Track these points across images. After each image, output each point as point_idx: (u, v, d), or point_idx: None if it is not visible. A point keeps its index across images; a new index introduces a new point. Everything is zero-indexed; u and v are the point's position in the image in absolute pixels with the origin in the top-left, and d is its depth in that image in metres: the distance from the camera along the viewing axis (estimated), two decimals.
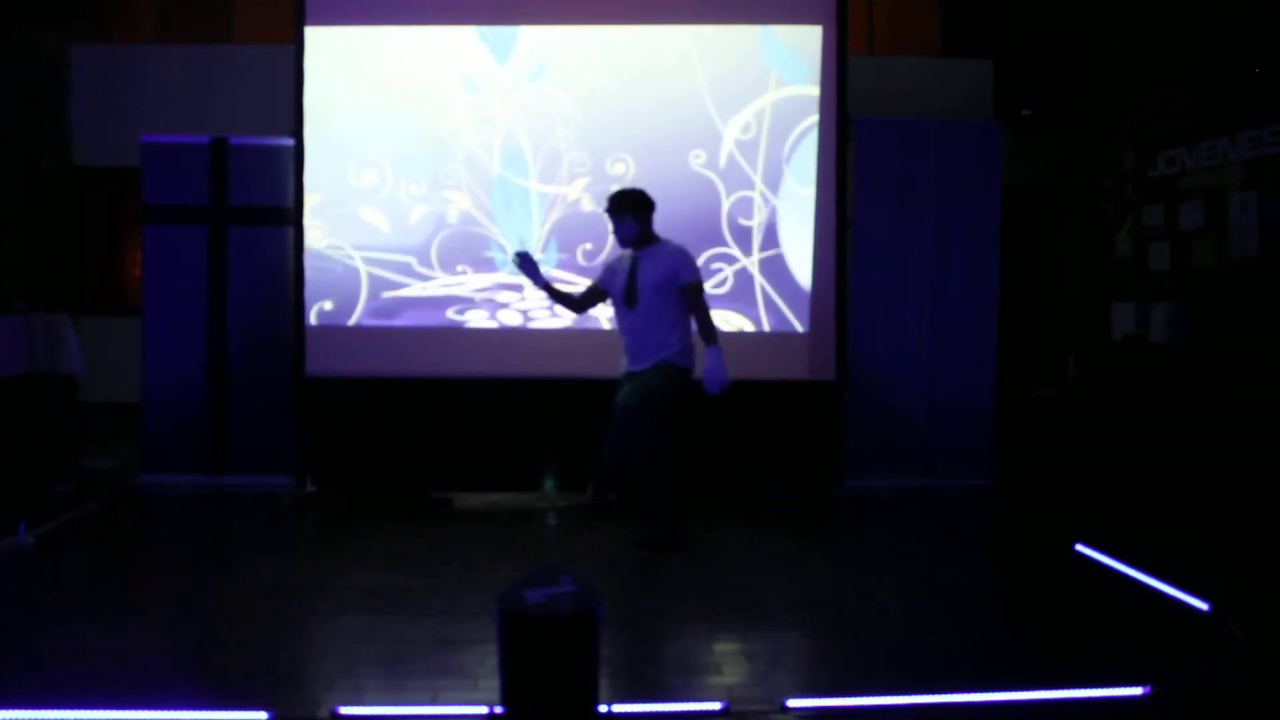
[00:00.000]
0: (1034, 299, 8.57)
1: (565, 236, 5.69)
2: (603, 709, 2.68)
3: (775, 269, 5.75)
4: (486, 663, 3.12)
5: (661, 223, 4.76)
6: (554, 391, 5.68)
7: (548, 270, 5.34)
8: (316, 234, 5.71)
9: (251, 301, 5.75)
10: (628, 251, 4.74)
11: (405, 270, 5.72)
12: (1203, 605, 3.78)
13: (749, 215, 5.73)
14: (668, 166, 5.67)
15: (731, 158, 5.71)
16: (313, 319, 5.71)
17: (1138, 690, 2.97)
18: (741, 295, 5.73)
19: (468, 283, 5.73)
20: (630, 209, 4.66)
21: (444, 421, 5.78)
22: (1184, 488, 5.77)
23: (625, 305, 4.66)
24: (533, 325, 5.76)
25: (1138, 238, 7.54)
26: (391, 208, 5.71)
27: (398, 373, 5.71)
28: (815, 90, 5.73)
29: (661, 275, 4.59)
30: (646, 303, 4.59)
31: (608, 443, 4.62)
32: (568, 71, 5.70)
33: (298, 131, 5.68)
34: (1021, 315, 8.01)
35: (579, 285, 5.11)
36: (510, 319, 5.74)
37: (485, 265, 5.73)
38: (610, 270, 4.81)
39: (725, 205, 5.71)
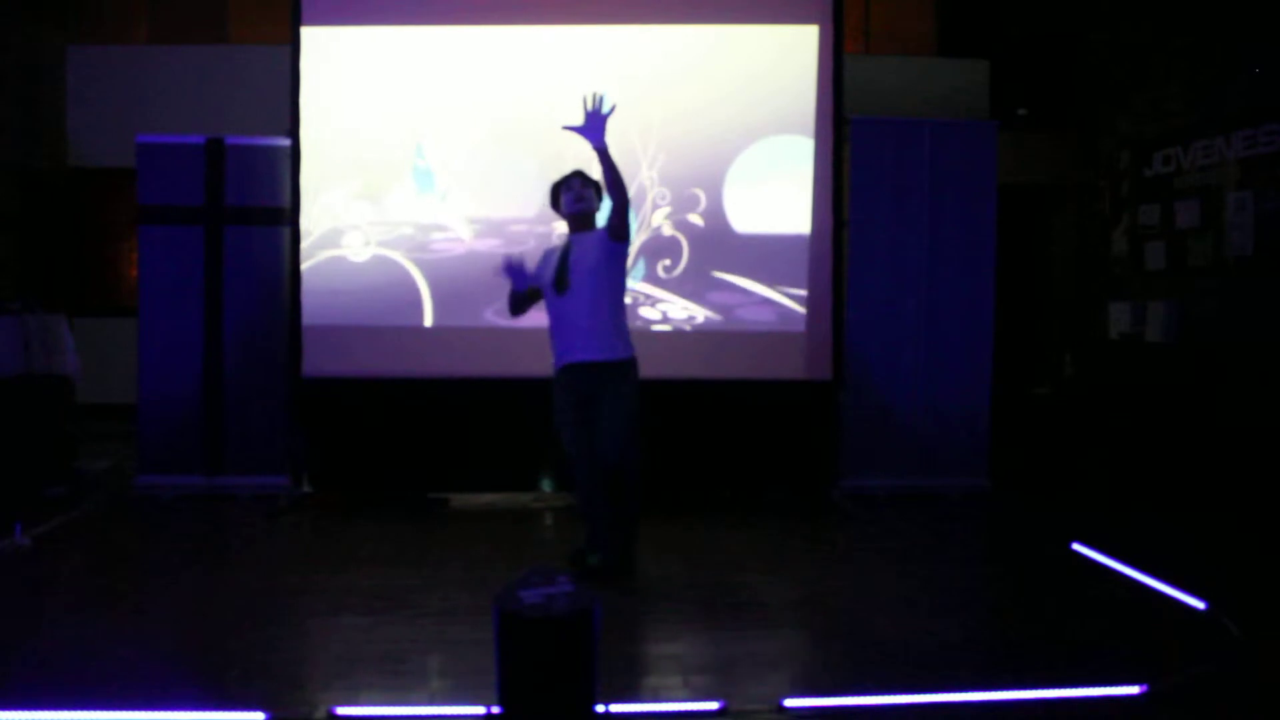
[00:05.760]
0: (1030, 298, 8.59)
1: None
2: (600, 709, 2.68)
3: (772, 269, 5.75)
4: (484, 663, 3.12)
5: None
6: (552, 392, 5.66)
7: None
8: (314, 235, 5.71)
9: (247, 302, 5.74)
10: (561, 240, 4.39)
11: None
12: (1199, 604, 3.78)
13: (744, 216, 5.73)
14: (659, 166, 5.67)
15: (727, 157, 5.70)
16: (308, 319, 5.71)
17: (1135, 689, 2.98)
18: (738, 295, 5.73)
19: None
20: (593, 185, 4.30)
21: (441, 422, 5.78)
22: (1180, 486, 5.78)
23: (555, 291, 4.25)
24: (530, 325, 5.74)
25: (1133, 237, 7.55)
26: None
27: (394, 373, 5.71)
28: (811, 90, 5.74)
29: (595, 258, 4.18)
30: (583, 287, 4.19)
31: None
32: (565, 71, 5.69)
33: (294, 132, 5.68)
34: (1017, 314, 8.03)
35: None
36: (507, 319, 5.73)
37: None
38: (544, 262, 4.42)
39: (721, 205, 5.71)
